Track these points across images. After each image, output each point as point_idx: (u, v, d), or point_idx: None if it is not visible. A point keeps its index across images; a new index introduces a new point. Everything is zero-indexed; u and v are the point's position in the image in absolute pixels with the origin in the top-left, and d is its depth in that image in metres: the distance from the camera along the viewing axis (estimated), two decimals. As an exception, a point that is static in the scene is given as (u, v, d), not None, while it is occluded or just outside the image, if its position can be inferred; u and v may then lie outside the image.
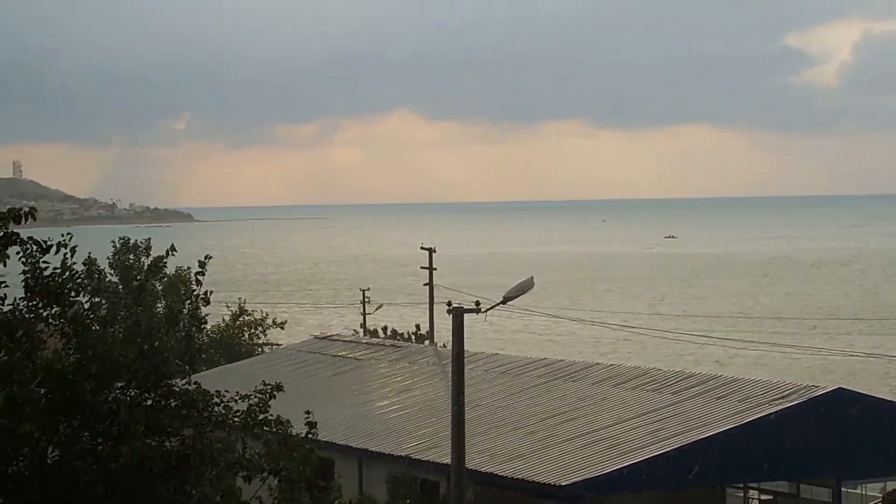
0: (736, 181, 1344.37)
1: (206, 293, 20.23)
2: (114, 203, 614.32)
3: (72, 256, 17.70)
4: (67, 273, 18.13)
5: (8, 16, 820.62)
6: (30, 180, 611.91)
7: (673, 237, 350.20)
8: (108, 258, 43.49)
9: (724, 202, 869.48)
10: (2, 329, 17.83)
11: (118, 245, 43.79)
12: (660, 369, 46.95)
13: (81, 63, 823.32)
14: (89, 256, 26.65)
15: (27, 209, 16.96)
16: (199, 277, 19.85)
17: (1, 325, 17.86)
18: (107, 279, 38.93)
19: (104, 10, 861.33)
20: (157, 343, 18.29)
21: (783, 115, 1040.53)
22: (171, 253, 21.26)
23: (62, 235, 17.69)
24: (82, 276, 19.09)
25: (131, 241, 45.43)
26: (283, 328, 72.82)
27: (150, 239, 45.07)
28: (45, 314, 18.18)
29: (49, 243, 17.36)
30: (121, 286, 40.82)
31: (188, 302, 20.54)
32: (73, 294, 18.29)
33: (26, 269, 17.64)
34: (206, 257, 19.67)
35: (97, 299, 19.52)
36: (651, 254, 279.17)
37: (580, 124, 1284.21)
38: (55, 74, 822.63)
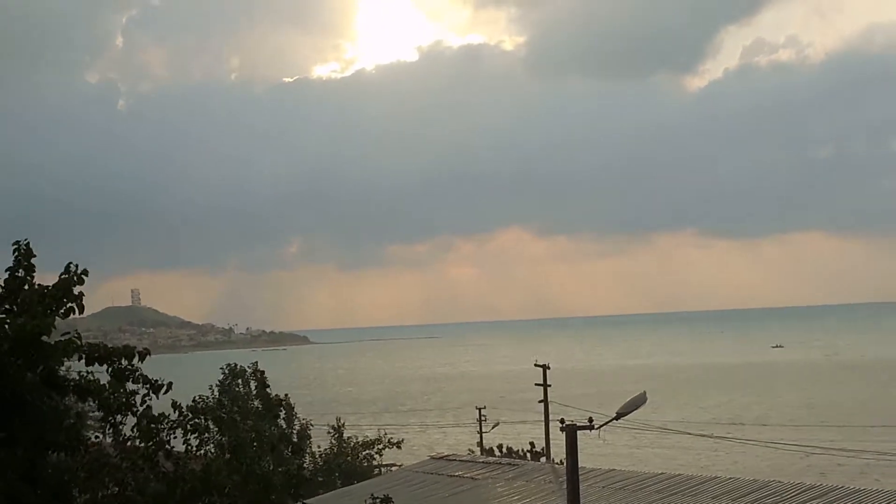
0: (852, 288, 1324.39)
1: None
2: (230, 328, 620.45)
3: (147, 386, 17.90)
4: (176, 415, 18.56)
5: (123, 148, 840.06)
6: (148, 307, 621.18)
7: (780, 346, 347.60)
8: (216, 384, 43.95)
9: (841, 309, 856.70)
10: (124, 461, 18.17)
11: (226, 371, 44.31)
12: (780, 481, 46.08)
13: (193, 191, 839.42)
14: (200, 396, 26.96)
15: (142, 350, 17.38)
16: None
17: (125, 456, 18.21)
18: (222, 409, 39.31)
19: (211, 141, 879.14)
20: (257, 469, 18.56)
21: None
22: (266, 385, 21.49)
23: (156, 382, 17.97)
24: (188, 415, 19.46)
25: (237, 367, 45.89)
26: (399, 447, 72.59)
27: (256, 363, 45.53)
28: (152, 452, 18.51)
29: (160, 382, 17.70)
30: (230, 414, 41.19)
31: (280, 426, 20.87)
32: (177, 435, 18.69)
33: (137, 408, 17.99)
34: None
35: (203, 437, 19.84)
36: (757, 363, 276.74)
37: (692, 234, 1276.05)
38: (169, 203, 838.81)
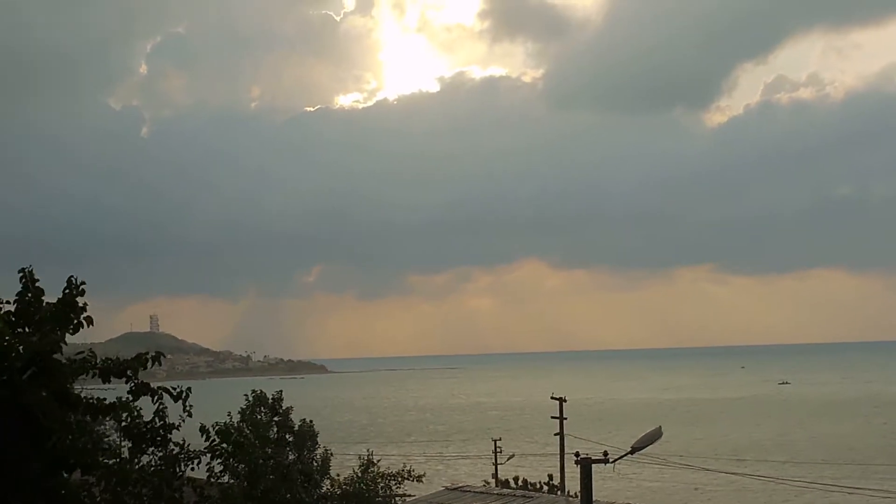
0: (872, 325, 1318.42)
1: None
2: (248, 355, 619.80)
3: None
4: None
5: (146, 172, 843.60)
6: (167, 334, 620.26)
7: (787, 383, 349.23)
8: (238, 412, 44.09)
9: (860, 346, 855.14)
10: (153, 482, 18.34)
11: (251, 399, 44.35)
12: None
13: (214, 218, 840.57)
14: (226, 423, 27.20)
15: (153, 353, 17.51)
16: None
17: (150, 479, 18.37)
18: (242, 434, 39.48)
19: (233, 166, 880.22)
20: (274, 497, 18.78)
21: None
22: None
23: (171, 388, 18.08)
24: (215, 439, 19.66)
25: (262, 394, 45.97)
26: (420, 481, 72.06)
27: (281, 391, 45.69)
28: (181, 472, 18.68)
29: (179, 389, 17.86)
30: (256, 441, 41.32)
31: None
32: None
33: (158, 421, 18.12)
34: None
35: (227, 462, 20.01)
36: (756, 398, 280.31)
37: (709, 270, 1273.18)
38: (189, 230, 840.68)
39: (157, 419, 17.89)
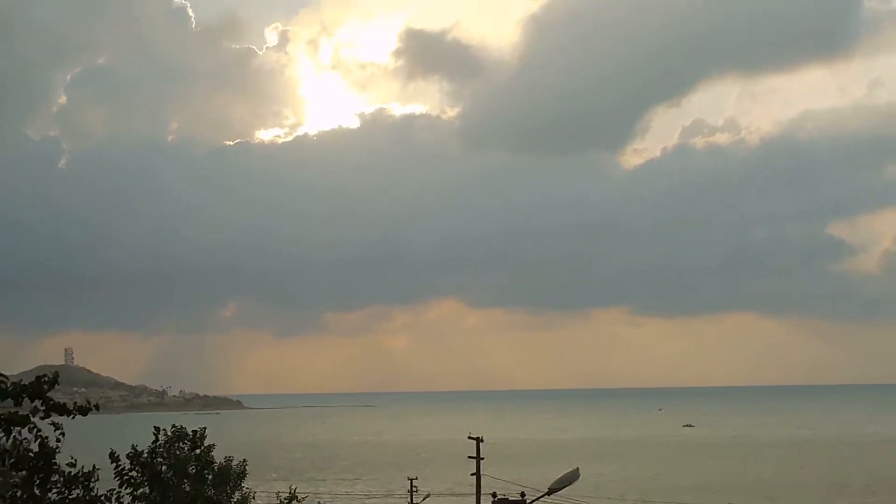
0: (783, 369, 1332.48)
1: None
2: (164, 390, 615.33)
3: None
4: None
5: (58, 204, 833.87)
6: (81, 367, 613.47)
7: (691, 426, 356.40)
8: (155, 446, 43.26)
9: (771, 390, 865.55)
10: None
11: (170, 434, 43.46)
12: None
13: (130, 251, 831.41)
14: (134, 448, 26.69)
15: (51, 375, 16.99)
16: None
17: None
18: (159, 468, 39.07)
19: (151, 199, 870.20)
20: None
21: (829, 304, 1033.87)
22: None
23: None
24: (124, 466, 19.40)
25: (182, 429, 45.18)
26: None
27: (205, 428, 44.95)
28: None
29: (88, 406, 17.39)
30: (172, 476, 40.73)
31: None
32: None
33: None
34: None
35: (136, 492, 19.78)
36: (660, 441, 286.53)
37: (625, 312, 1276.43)
38: (105, 263, 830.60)
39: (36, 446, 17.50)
